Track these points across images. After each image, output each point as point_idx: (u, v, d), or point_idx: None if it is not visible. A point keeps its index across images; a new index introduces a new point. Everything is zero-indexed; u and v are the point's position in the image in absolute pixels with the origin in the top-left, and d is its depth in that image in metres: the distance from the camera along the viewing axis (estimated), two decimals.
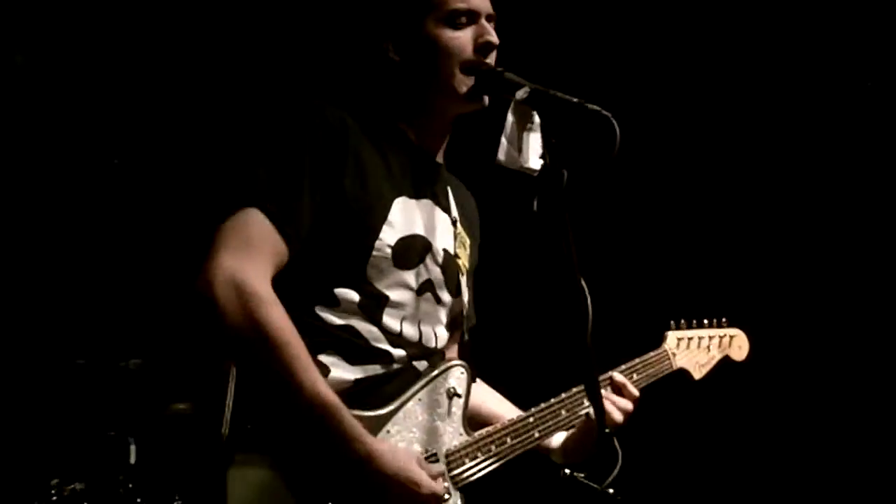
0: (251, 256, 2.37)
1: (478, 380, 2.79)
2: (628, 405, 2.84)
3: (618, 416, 2.80)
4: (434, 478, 2.47)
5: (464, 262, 2.75)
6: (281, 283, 2.43)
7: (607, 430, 2.35)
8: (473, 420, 2.74)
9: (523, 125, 2.51)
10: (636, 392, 2.89)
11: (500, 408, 2.90)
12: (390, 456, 2.40)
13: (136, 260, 4.91)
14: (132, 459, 4.30)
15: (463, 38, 2.59)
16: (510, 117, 2.51)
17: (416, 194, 2.64)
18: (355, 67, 2.76)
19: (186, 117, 4.98)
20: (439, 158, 2.76)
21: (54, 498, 4.11)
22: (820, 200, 4.97)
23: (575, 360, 2.35)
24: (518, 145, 2.51)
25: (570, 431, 2.85)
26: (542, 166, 2.44)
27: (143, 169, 4.89)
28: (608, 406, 2.76)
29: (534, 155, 2.51)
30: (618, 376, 2.87)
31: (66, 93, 4.82)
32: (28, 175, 4.81)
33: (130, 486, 4.20)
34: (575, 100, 2.40)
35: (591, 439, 2.79)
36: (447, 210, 2.74)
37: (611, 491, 2.42)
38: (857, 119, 4.91)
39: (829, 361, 4.93)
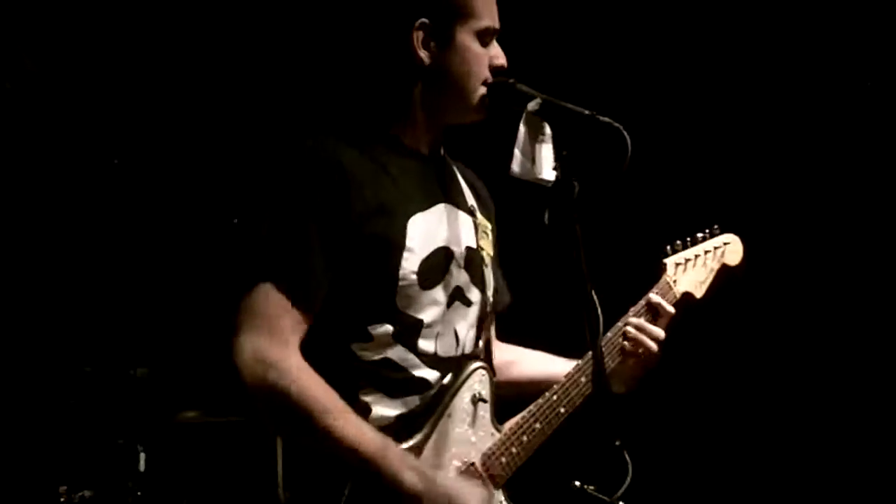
0: (271, 331, 2.40)
1: (514, 348, 2.87)
2: (661, 333, 2.82)
3: (652, 346, 2.79)
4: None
5: (487, 250, 2.72)
6: (314, 326, 2.46)
7: (617, 443, 2.34)
8: (532, 388, 2.75)
9: (535, 137, 2.50)
10: (671, 309, 2.87)
11: (551, 366, 2.88)
12: (442, 478, 2.45)
13: (143, 268, 4.92)
14: (141, 467, 4.31)
15: (485, 58, 2.57)
16: (522, 129, 2.50)
17: (429, 203, 2.61)
18: (361, 58, 2.72)
19: (186, 117, 4.99)
20: (441, 151, 2.73)
21: None
22: (819, 201, 4.97)
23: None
24: (531, 157, 2.50)
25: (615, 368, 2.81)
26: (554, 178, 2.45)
27: (144, 169, 4.90)
28: (644, 339, 2.77)
29: (547, 166, 2.50)
30: (654, 297, 2.85)
31: (66, 94, 4.83)
32: (29, 178, 4.82)
33: (139, 493, 4.22)
34: (586, 111, 2.39)
35: (640, 365, 2.80)
36: (463, 204, 2.71)
37: (621, 503, 2.41)
38: (856, 118, 4.91)
39: (830, 363, 4.92)
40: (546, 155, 2.50)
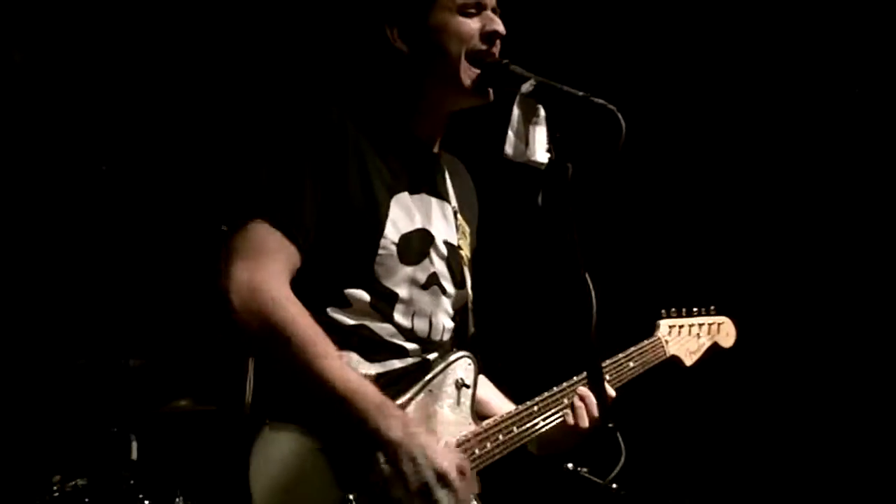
0: (264, 263, 2.41)
1: (482, 376, 2.81)
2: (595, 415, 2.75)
3: (585, 424, 2.75)
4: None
5: (465, 252, 2.75)
6: (293, 286, 2.45)
7: (611, 425, 2.34)
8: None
9: (529, 118, 2.50)
10: (612, 392, 2.83)
11: (503, 407, 2.90)
12: (424, 436, 2.42)
13: (134, 262, 4.92)
14: (133, 455, 4.31)
15: (471, 25, 2.58)
16: (516, 111, 2.50)
17: (415, 188, 2.64)
18: (355, 55, 2.75)
19: (177, 119, 4.99)
20: (436, 148, 2.75)
21: (56, 494, 4.12)
22: (806, 195, 5.01)
23: (578, 352, 2.36)
24: (525, 139, 2.51)
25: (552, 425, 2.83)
26: (547, 160, 2.45)
27: (131, 174, 4.90)
28: (583, 413, 2.74)
29: (541, 148, 2.50)
30: (582, 389, 2.79)
31: (55, 99, 4.82)
32: (18, 180, 4.82)
33: (132, 481, 4.21)
34: (580, 93, 2.39)
35: (569, 433, 2.76)
36: (446, 200, 2.74)
37: (614, 486, 2.41)
38: (848, 120, 4.93)
39: (821, 354, 4.95)
40: (539, 137, 2.50)
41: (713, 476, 4.96)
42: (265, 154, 2.53)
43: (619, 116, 2.32)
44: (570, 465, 2.87)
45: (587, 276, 2.30)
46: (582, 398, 2.75)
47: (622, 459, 2.31)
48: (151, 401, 4.48)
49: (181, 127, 5.00)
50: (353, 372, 2.42)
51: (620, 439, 2.32)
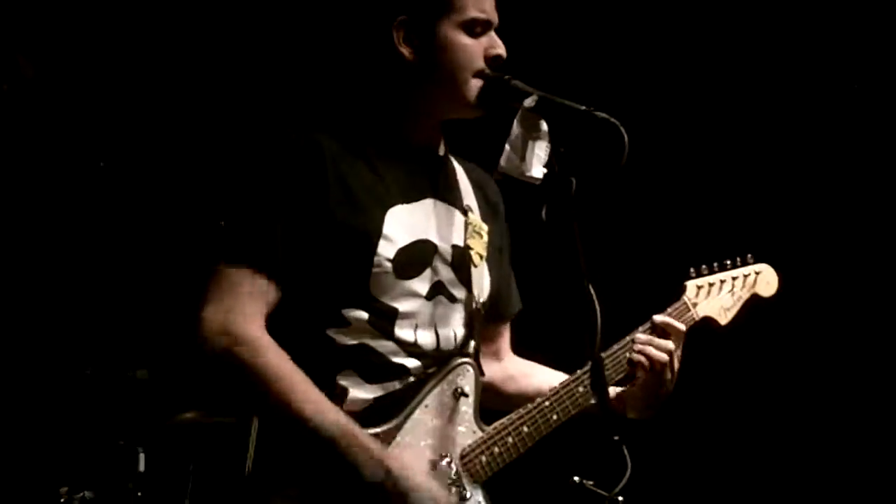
0: (235, 303, 2.40)
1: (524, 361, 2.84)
2: (671, 346, 2.76)
3: (662, 357, 2.73)
4: (448, 487, 2.50)
5: (478, 251, 2.71)
6: (289, 309, 2.46)
7: (616, 438, 2.34)
8: (528, 396, 2.74)
9: (530, 133, 2.49)
10: (682, 326, 2.81)
11: (549, 377, 2.88)
12: (407, 473, 2.42)
13: (142, 270, 4.92)
14: (141, 468, 4.30)
15: (477, 48, 2.57)
16: (516, 126, 2.50)
17: (414, 197, 2.61)
18: (353, 55, 2.73)
19: (173, 118, 4.98)
20: (441, 151, 2.73)
21: None
22: (806, 195, 5.00)
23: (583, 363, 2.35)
24: (522, 153, 2.50)
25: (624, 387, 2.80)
26: (551, 175, 2.44)
27: (129, 172, 4.90)
28: (652, 350, 2.73)
29: (537, 164, 2.49)
30: (658, 318, 2.80)
31: (56, 97, 4.82)
32: (26, 181, 4.82)
33: (139, 494, 4.21)
34: (583, 107, 2.40)
35: (651, 384, 2.74)
36: (454, 202, 2.71)
37: (620, 499, 2.40)
38: (850, 120, 4.92)
39: (834, 363, 4.94)
40: (537, 152, 2.50)
41: (720, 489, 4.94)
42: (233, 193, 2.54)
43: (623, 130, 2.32)
44: (576, 478, 2.87)
45: (591, 290, 2.29)
46: (644, 343, 2.72)
47: (628, 472, 2.30)
48: (159, 413, 4.48)
49: (180, 123, 4.99)
50: (331, 412, 2.40)
51: (626, 452, 2.31)
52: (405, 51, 2.58)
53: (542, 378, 2.90)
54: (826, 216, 4.99)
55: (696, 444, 4.99)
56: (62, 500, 4.14)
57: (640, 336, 2.78)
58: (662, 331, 2.80)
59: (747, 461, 4.98)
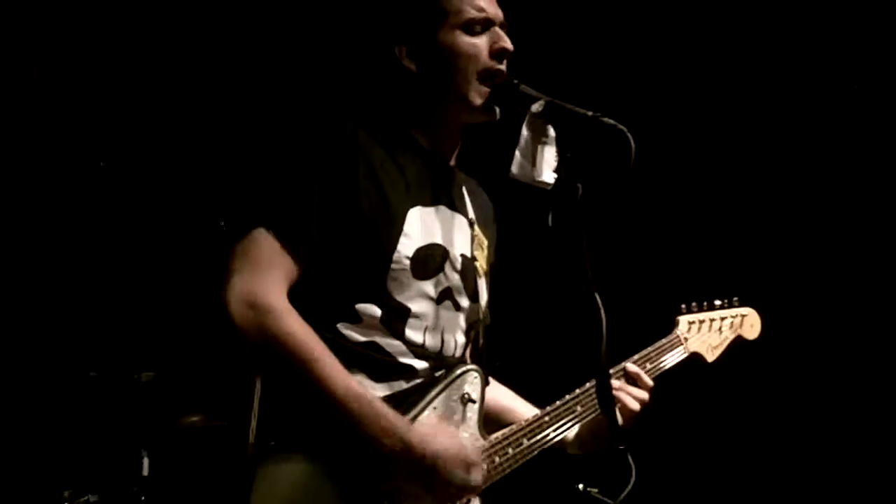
0: (261, 274, 2.40)
1: (490, 380, 2.79)
2: (643, 395, 2.80)
3: (633, 405, 2.77)
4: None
5: (481, 263, 2.73)
6: (302, 301, 2.45)
7: (621, 446, 2.33)
8: (488, 417, 2.74)
9: (538, 138, 2.49)
10: (650, 382, 2.85)
11: (513, 404, 2.90)
12: (432, 435, 2.43)
13: (147, 273, 4.92)
14: (145, 471, 4.31)
15: (479, 44, 2.58)
16: (525, 131, 2.50)
17: (431, 201, 2.63)
18: (367, 72, 2.75)
19: (173, 118, 4.99)
20: (452, 162, 2.75)
21: None
22: (805, 196, 5.01)
23: (588, 373, 2.34)
24: (532, 159, 2.50)
25: (586, 422, 2.82)
26: (557, 180, 2.44)
27: (130, 172, 4.90)
28: (623, 396, 2.75)
29: (547, 168, 2.50)
30: (631, 367, 2.84)
31: (60, 99, 4.83)
32: (29, 183, 4.83)
33: (143, 497, 4.22)
34: (590, 113, 2.39)
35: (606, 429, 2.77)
36: (464, 213, 2.73)
37: None
38: (851, 119, 4.92)
39: (835, 359, 4.93)
40: (547, 157, 2.50)
41: (723, 498, 4.93)
42: (274, 165, 2.54)
43: (629, 136, 2.31)
44: (580, 486, 2.86)
45: (597, 296, 2.29)
46: (616, 390, 2.73)
47: (632, 480, 2.30)
48: (163, 416, 4.48)
49: (180, 124, 5.00)
50: (352, 379, 2.40)
51: (630, 460, 2.30)
52: (410, 65, 2.61)
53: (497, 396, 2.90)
54: (827, 218, 4.99)
55: (700, 453, 4.98)
56: (66, 503, 4.14)
57: (612, 382, 2.75)
58: (633, 380, 2.83)
59: (750, 471, 4.98)
